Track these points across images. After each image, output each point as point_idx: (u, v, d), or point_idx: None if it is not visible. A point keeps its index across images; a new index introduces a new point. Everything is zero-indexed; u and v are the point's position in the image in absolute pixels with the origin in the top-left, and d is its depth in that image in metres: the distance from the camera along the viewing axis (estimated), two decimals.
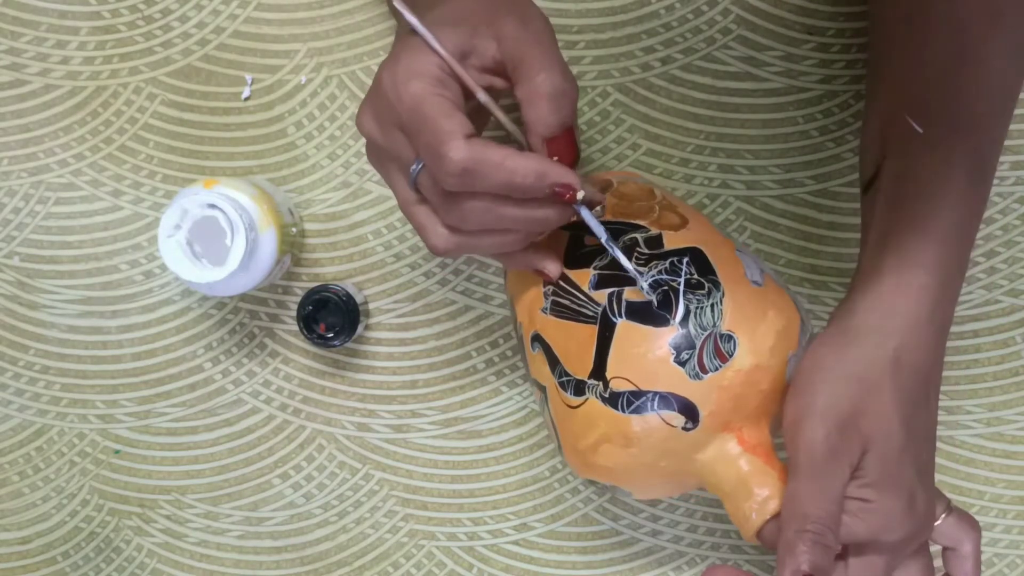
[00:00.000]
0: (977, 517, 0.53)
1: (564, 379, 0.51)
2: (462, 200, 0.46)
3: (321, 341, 0.63)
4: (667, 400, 0.48)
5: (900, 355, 0.48)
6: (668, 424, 0.48)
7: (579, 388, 0.50)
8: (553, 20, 0.63)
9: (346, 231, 0.65)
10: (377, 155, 0.49)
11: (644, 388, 0.48)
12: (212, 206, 0.57)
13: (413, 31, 0.46)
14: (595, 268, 0.51)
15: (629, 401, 0.49)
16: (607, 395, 0.49)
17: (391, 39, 0.64)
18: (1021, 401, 0.64)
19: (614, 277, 0.50)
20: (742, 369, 0.48)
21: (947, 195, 0.50)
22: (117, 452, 0.67)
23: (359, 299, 0.64)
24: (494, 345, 0.66)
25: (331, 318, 0.63)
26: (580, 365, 0.50)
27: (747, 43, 0.63)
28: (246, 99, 0.65)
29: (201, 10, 0.64)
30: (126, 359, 0.67)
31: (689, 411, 0.48)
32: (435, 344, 0.66)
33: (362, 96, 0.64)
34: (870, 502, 0.47)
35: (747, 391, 0.49)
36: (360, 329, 0.64)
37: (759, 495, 0.49)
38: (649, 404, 0.48)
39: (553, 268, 0.52)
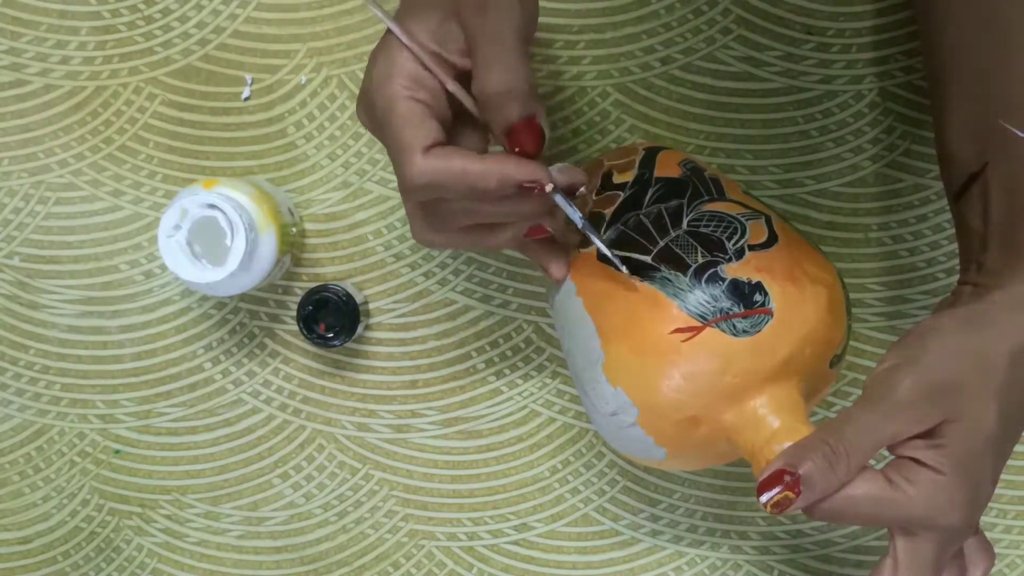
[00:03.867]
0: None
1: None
2: (437, 204, 0.47)
3: (321, 341, 0.63)
4: None
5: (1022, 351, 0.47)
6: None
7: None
8: (553, 20, 0.63)
9: (346, 231, 0.65)
10: None
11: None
12: (212, 206, 0.57)
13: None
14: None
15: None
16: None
17: None
18: None
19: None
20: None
21: None
22: (117, 452, 0.67)
23: (359, 299, 0.64)
24: (494, 345, 0.66)
25: (331, 318, 0.63)
26: None
27: (747, 43, 0.63)
28: (246, 99, 0.65)
29: (201, 10, 0.64)
30: (126, 359, 0.67)
31: None
32: (435, 344, 0.66)
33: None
34: (942, 475, 0.45)
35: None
36: (360, 329, 0.64)
37: (781, 449, 0.47)
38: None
39: (557, 270, 0.52)
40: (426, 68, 0.46)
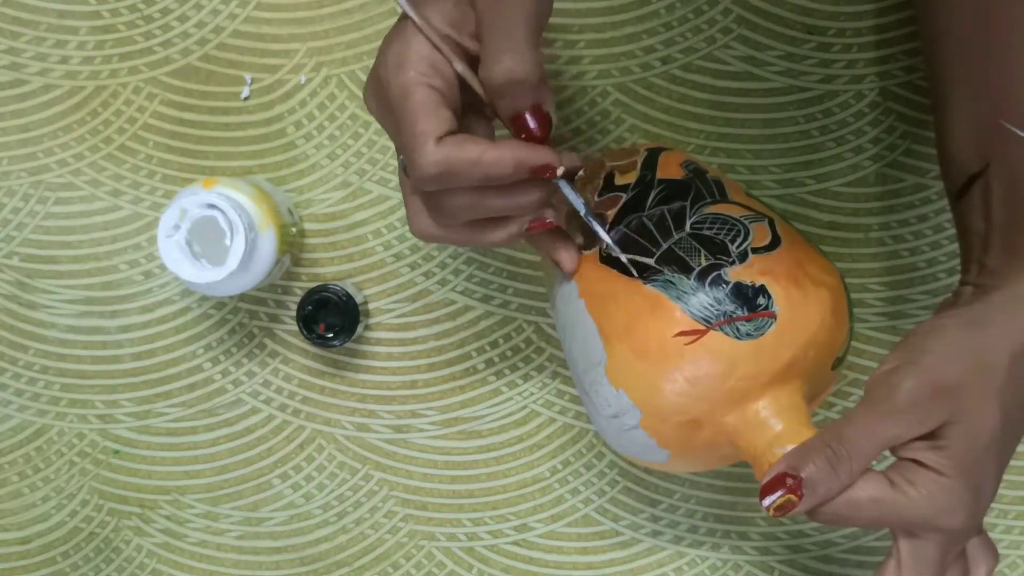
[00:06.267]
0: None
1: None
2: (443, 197, 0.46)
3: (321, 341, 0.62)
4: None
5: None
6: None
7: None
8: (553, 20, 0.63)
9: (346, 231, 0.65)
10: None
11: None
12: (211, 206, 0.57)
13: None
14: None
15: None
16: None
17: None
18: None
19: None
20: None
21: None
22: (117, 452, 0.67)
23: (359, 299, 0.64)
24: (494, 345, 0.66)
25: (331, 318, 0.62)
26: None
27: (747, 43, 0.63)
28: (245, 99, 0.65)
29: (200, 10, 0.64)
30: (126, 359, 0.67)
31: None
32: (435, 344, 0.66)
33: (361, 95, 0.64)
34: (944, 476, 0.45)
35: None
36: (360, 329, 0.64)
37: (783, 452, 0.47)
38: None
39: (568, 262, 0.52)
40: (437, 49, 0.45)
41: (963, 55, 0.53)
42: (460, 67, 0.46)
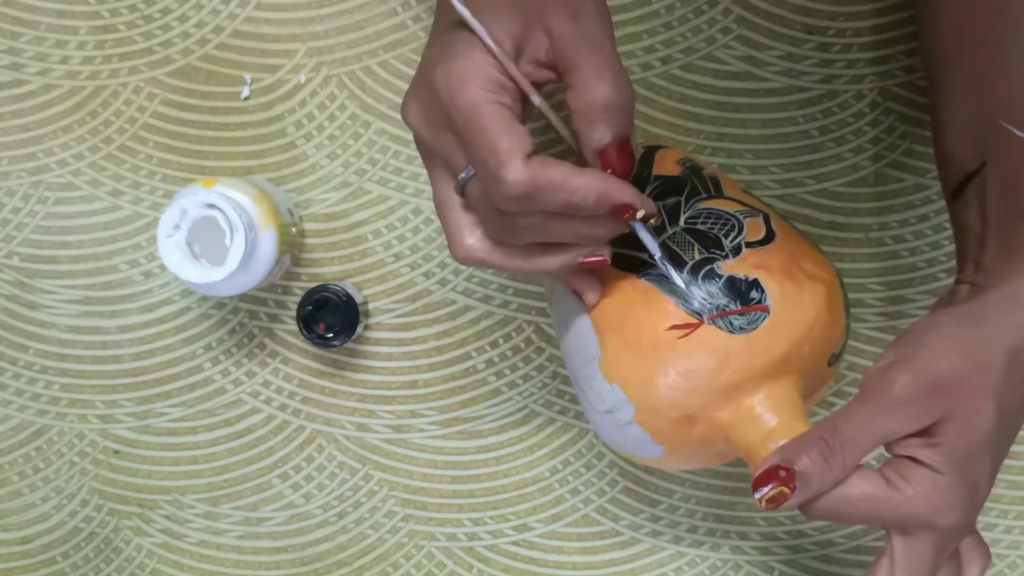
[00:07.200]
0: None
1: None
2: (514, 216, 0.44)
3: (321, 341, 0.62)
4: None
5: (1021, 351, 0.46)
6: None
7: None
8: None
9: (346, 231, 0.65)
10: (423, 150, 0.47)
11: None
12: (211, 206, 0.57)
13: (463, 23, 0.43)
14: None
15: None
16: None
17: (391, 38, 0.64)
18: None
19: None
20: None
21: None
22: (116, 452, 0.67)
23: (359, 299, 0.64)
24: (494, 345, 0.66)
25: (331, 318, 0.62)
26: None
27: (747, 43, 0.63)
28: (246, 99, 0.65)
29: (200, 10, 0.64)
30: (126, 359, 0.67)
31: None
32: (435, 344, 0.66)
33: (361, 96, 0.64)
34: (940, 474, 0.45)
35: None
36: (360, 329, 0.64)
37: (778, 447, 0.46)
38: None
39: (592, 297, 0.51)
40: (513, 81, 0.44)
41: (963, 55, 0.53)
42: (538, 100, 0.45)
